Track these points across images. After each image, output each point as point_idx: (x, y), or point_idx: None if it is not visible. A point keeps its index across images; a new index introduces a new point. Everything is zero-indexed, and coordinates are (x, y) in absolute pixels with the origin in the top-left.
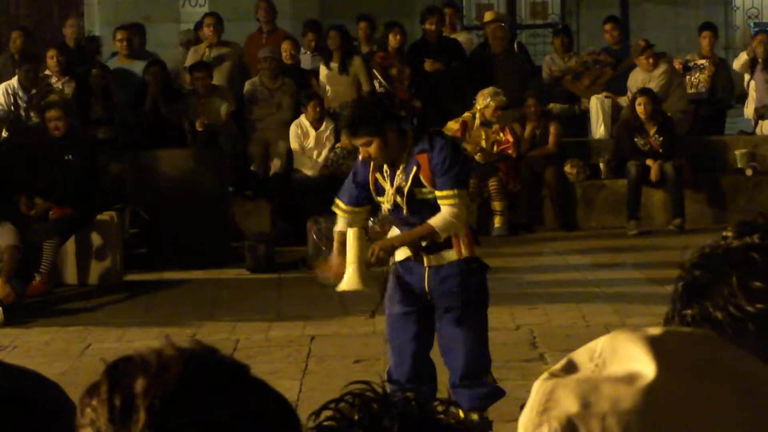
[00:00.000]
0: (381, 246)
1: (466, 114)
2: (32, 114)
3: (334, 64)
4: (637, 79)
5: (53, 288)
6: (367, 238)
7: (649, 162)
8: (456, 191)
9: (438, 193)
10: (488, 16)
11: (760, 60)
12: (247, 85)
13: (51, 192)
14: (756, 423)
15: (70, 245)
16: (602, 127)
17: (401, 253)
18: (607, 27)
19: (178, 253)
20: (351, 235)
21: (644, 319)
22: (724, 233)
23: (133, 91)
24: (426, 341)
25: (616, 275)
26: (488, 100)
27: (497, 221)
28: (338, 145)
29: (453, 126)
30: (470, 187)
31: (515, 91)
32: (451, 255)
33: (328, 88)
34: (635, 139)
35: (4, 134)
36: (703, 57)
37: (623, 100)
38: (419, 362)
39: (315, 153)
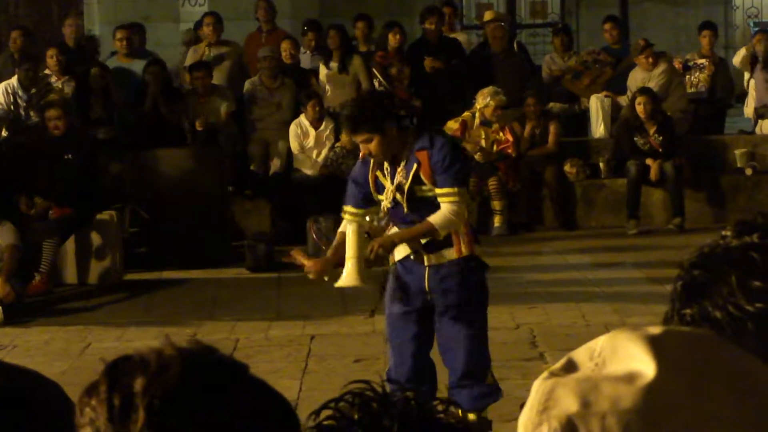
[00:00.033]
0: (380, 243)
1: (466, 113)
2: (32, 113)
3: (333, 64)
4: (636, 78)
5: (53, 287)
6: (366, 235)
7: (648, 161)
8: (456, 189)
9: (438, 191)
10: (488, 16)
11: (760, 59)
12: (246, 85)
13: (51, 191)
14: (755, 422)
15: (70, 245)
16: (602, 127)
17: (401, 252)
18: (607, 26)
19: (178, 252)
20: (350, 231)
21: (644, 318)
22: (723, 233)
23: (132, 90)
24: (426, 341)
25: (616, 274)
26: (488, 99)
27: (497, 221)
28: (338, 144)
29: (453, 125)
30: (470, 186)
31: (515, 91)
32: (451, 254)
33: (327, 87)
34: (635, 139)
35: (4, 133)
36: (702, 56)
37: (623, 100)
38: (419, 362)
39: (315, 152)
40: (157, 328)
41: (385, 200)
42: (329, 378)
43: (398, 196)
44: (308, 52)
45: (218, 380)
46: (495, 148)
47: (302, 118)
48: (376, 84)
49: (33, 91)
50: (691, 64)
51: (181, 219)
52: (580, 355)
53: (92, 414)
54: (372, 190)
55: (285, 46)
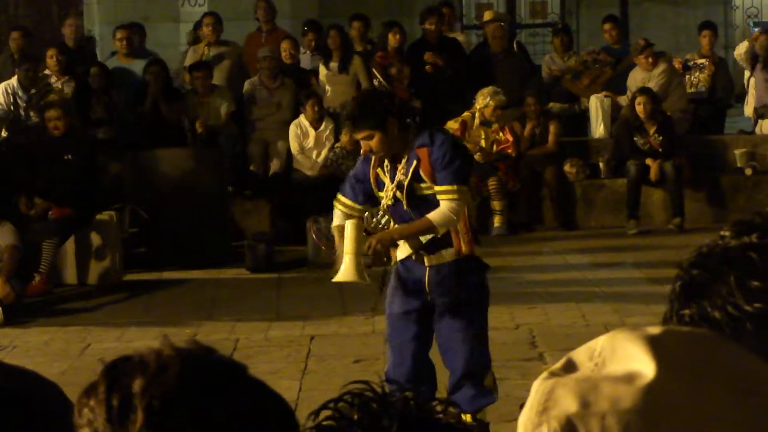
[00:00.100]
0: (379, 238)
1: (466, 113)
2: (32, 114)
3: (333, 64)
4: (636, 78)
5: (53, 288)
6: (365, 233)
7: (648, 161)
8: (456, 186)
9: (437, 188)
10: (488, 16)
11: (760, 58)
12: (246, 85)
13: (50, 192)
14: (755, 422)
15: (70, 245)
16: (602, 127)
17: (403, 252)
18: (607, 26)
19: (178, 252)
20: (349, 225)
21: (644, 318)
22: (722, 233)
23: (132, 90)
24: (426, 341)
25: (616, 275)
26: (488, 99)
27: (497, 221)
28: (337, 144)
29: (452, 125)
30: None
31: (515, 91)
32: (451, 254)
33: (327, 87)
34: (635, 139)
35: (4, 134)
36: (702, 56)
37: (623, 100)
38: (419, 362)
39: (314, 153)
40: (157, 328)
41: (386, 198)
42: (329, 378)
43: (398, 193)
44: (308, 52)
45: (217, 381)
46: (495, 148)
47: (302, 119)
48: (376, 84)
49: (33, 91)
50: (690, 64)
51: (181, 219)
52: (579, 355)
53: (91, 415)
54: (373, 187)
55: (285, 46)
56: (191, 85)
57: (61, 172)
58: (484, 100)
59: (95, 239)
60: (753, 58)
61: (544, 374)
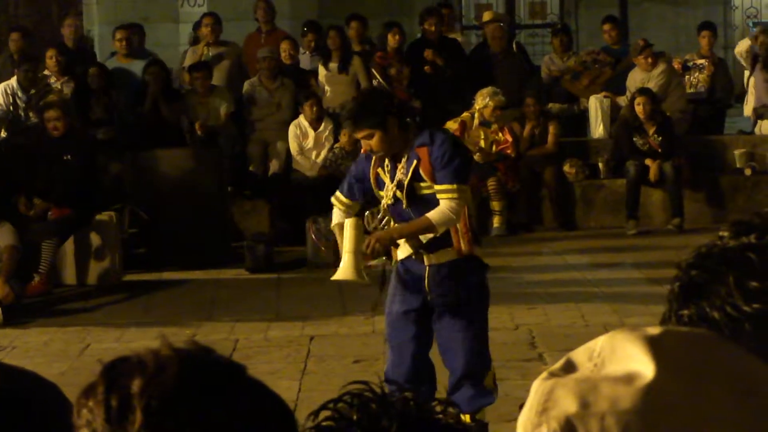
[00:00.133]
0: (378, 237)
1: (465, 114)
2: (31, 114)
3: (333, 64)
4: (636, 78)
5: (52, 288)
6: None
7: (648, 162)
8: (455, 186)
9: (437, 187)
10: (487, 16)
11: (760, 58)
12: (246, 86)
13: (50, 192)
14: (754, 422)
15: (69, 245)
16: (601, 127)
17: (403, 252)
18: (606, 27)
19: (178, 253)
20: (348, 224)
21: (643, 318)
22: (721, 233)
23: (132, 91)
24: (426, 341)
25: (615, 275)
26: (487, 99)
27: (496, 221)
28: (337, 145)
29: (452, 126)
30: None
31: (514, 91)
32: (451, 254)
33: (327, 88)
34: (634, 139)
35: (3, 134)
36: (702, 57)
37: (622, 100)
38: (419, 362)
39: (314, 153)
40: (157, 328)
41: (386, 197)
42: (328, 379)
43: (398, 193)
44: (307, 52)
45: (216, 381)
46: (494, 148)
47: (301, 119)
48: (376, 84)
49: (32, 91)
50: (690, 64)
51: (181, 219)
52: (579, 355)
53: (89, 415)
54: (373, 186)
55: (284, 47)
56: (191, 85)
57: (61, 172)
58: (483, 100)
59: (95, 239)
60: (753, 58)
61: (544, 374)
